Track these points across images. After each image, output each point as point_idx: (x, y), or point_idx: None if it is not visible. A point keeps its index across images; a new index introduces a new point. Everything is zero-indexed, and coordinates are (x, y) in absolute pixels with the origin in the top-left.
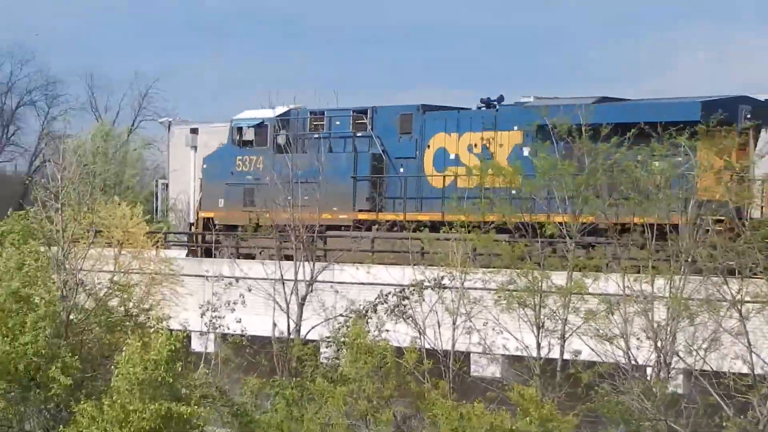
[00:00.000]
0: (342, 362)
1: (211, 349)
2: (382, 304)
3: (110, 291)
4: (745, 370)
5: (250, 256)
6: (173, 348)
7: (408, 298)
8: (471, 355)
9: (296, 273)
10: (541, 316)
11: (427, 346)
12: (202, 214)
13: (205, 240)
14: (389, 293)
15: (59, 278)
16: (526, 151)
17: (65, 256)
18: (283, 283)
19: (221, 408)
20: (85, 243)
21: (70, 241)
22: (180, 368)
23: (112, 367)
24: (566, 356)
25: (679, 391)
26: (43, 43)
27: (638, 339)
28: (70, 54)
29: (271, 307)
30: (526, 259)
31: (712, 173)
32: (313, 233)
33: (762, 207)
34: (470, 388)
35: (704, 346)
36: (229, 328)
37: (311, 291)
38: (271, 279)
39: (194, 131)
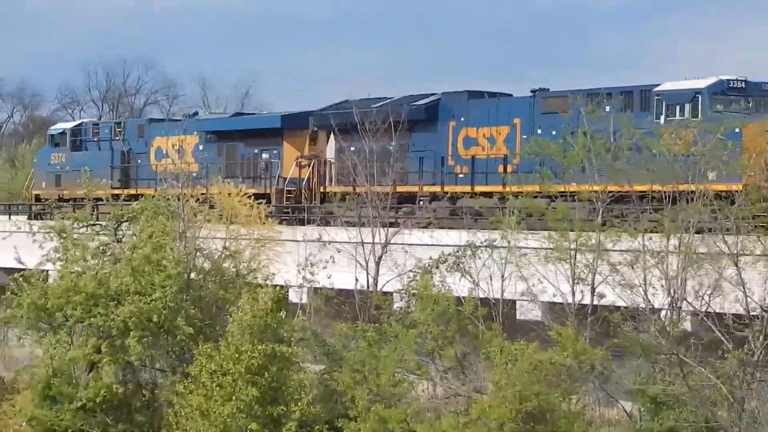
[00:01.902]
0: (412, 310)
1: (305, 300)
2: (443, 262)
3: (223, 255)
4: (741, 311)
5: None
6: (276, 300)
7: (464, 257)
8: (517, 302)
9: (373, 237)
10: (575, 269)
11: (481, 295)
12: (33, 192)
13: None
14: (449, 253)
15: (181, 245)
16: (200, 147)
17: (186, 227)
18: (363, 246)
19: (315, 348)
20: (201, 216)
21: (190, 214)
22: (282, 316)
23: (227, 316)
24: (596, 302)
25: (688, 329)
26: (161, 51)
27: (654, 287)
28: (184, 60)
29: (353, 265)
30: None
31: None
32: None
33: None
34: (516, 329)
35: (708, 292)
36: (319, 283)
37: (386, 252)
38: (354, 242)
39: None
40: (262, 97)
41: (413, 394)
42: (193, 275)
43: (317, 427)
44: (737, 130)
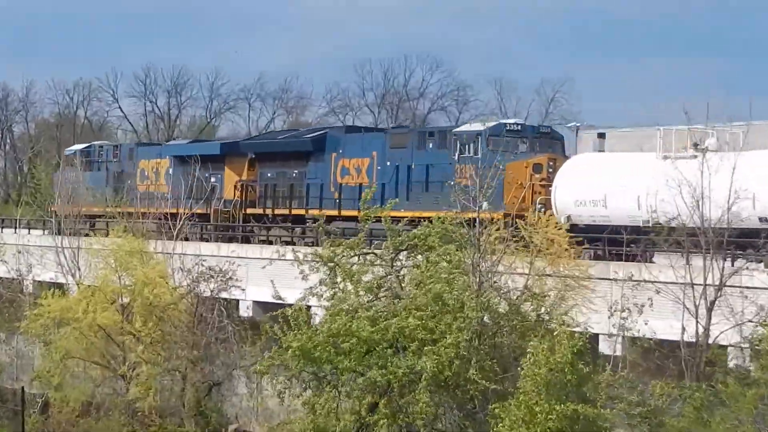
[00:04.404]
0: (753, 366)
1: (619, 351)
2: None
3: (523, 296)
4: None
5: None
6: (576, 350)
7: None
8: None
9: (705, 277)
10: None
11: None
12: (53, 209)
13: None
14: None
15: (475, 281)
16: (170, 170)
17: (481, 258)
18: (693, 287)
19: (631, 409)
20: (500, 247)
21: (487, 244)
22: (585, 370)
23: (519, 369)
24: None
25: None
26: (450, 51)
27: None
28: (478, 61)
29: (678, 310)
30: None
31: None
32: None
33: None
34: None
35: None
36: (638, 332)
37: (720, 296)
38: (680, 283)
39: (601, 136)
40: (571, 106)
41: None
42: (486, 318)
43: None
44: (501, 167)
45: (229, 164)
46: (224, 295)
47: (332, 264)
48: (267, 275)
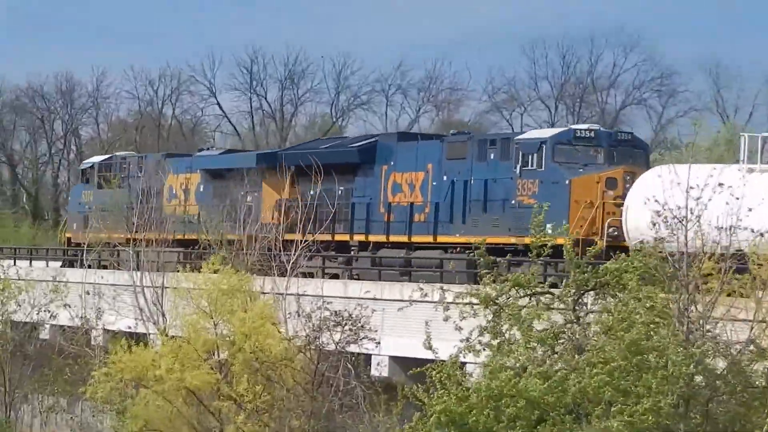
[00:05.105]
0: None
1: None
2: None
3: (748, 350)
4: None
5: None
6: None
7: None
8: None
9: None
10: None
11: None
12: (67, 235)
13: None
14: None
15: (681, 329)
16: (201, 188)
17: (690, 300)
18: None
19: None
20: (715, 284)
21: (698, 282)
22: None
23: None
24: None
25: None
26: (647, 26)
27: None
28: (686, 40)
29: None
30: None
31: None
32: None
33: None
34: None
35: None
36: None
37: None
38: None
39: None
40: None
41: None
42: (698, 377)
43: None
44: (567, 182)
45: (269, 180)
46: (352, 348)
47: (495, 307)
48: (407, 322)
